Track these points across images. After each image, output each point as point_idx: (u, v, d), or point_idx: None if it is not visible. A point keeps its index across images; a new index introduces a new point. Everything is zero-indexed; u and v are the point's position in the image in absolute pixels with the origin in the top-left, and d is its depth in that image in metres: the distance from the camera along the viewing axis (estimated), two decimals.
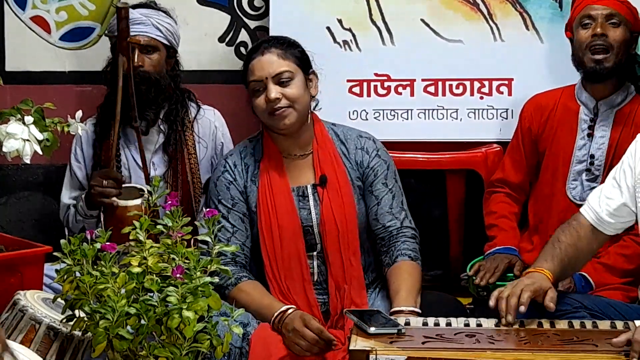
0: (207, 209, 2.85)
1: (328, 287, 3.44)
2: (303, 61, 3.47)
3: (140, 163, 3.81)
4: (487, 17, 4.14)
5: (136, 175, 3.86)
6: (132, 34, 3.74)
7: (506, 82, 4.12)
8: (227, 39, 4.34)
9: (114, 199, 3.58)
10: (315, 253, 3.46)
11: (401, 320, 3.03)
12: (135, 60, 3.75)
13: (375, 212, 3.50)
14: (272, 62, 3.42)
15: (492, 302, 3.02)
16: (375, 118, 4.16)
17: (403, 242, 3.46)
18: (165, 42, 3.85)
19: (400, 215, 3.50)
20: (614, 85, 3.71)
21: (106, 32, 4.01)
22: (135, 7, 3.86)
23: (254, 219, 3.47)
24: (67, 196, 3.93)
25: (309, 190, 3.48)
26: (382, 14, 4.16)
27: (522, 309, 2.94)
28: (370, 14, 4.17)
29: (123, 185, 3.65)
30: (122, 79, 3.64)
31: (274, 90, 3.39)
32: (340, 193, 3.46)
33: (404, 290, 3.31)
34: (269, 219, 3.44)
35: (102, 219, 3.59)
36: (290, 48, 3.47)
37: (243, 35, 4.33)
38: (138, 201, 3.53)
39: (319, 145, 3.51)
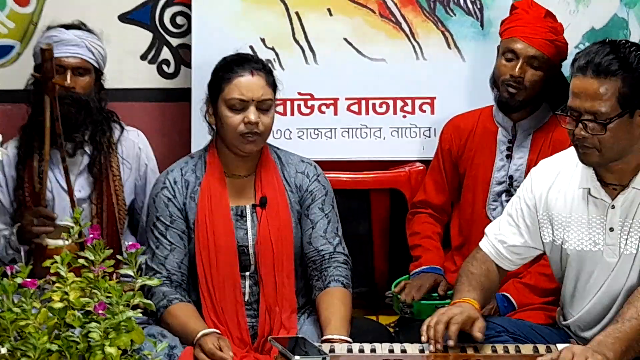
0: (130, 243, 2.81)
1: (259, 309, 3.44)
2: (275, 90, 3.49)
3: (64, 186, 3.78)
4: (410, 36, 4.16)
5: (60, 198, 3.82)
6: (65, 54, 3.75)
7: (429, 100, 4.15)
8: (149, 57, 4.30)
9: (44, 237, 3.55)
10: (247, 273, 3.45)
11: (326, 347, 3.04)
12: (68, 81, 3.74)
13: (309, 236, 3.50)
14: (261, 87, 3.41)
15: (423, 338, 2.97)
16: (298, 137, 4.17)
17: (335, 268, 3.47)
18: (96, 65, 3.84)
19: (333, 241, 3.51)
20: (530, 108, 3.74)
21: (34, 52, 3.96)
22: (68, 27, 3.85)
23: (192, 236, 3.46)
24: None
25: (248, 211, 3.47)
26: (305, 33, 4.16)
27: (451, 342, 2.93)
28: (294, 33, 4.16)
29: (56, 223, 3.62)
30: (49, 120, 3.61)
31: (255, 114, 3.39)
32: (278, 215, 3.46)
33: (337, 318, 3.30)
34: (207, 237, 3.43)
35: (32, 255, 3.56)
36: (271, 75, 3.48)
37: (165, 53, 4.29)
38: (67, 242, 3.50)
39: (263, 167, 3.51)
